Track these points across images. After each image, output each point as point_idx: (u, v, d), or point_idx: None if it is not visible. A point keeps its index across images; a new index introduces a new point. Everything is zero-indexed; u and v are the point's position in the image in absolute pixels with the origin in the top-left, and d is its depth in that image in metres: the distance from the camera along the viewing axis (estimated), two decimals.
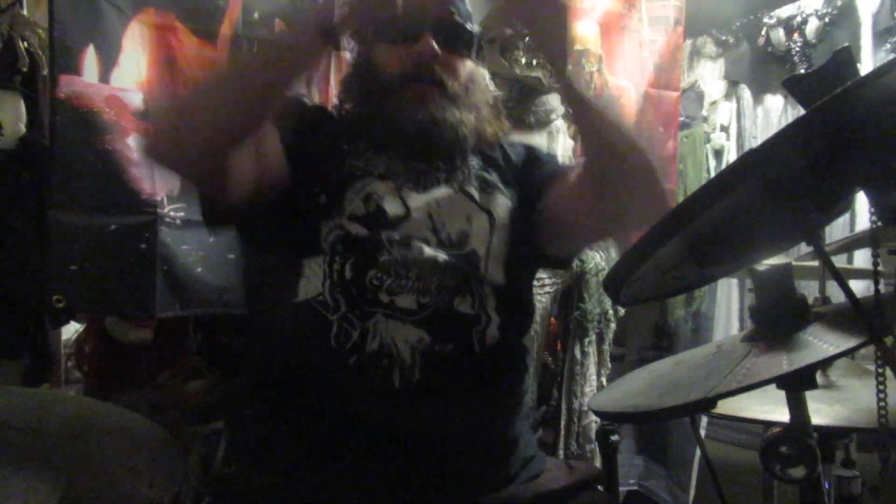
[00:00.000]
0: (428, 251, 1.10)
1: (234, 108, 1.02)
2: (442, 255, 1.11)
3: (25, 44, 1.65)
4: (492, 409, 1.13)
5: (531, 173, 1.27)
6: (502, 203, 1.20)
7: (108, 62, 1.68)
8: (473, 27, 1.24)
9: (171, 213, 1.71)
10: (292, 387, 1.08)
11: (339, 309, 1.06)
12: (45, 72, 1.67)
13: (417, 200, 1.14)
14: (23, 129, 1.65)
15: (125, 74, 1.70)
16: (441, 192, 1.17)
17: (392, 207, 1.12)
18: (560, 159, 1.36)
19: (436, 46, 1.15)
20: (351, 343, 1.04)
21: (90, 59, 1.65)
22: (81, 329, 1.83)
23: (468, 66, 1.22)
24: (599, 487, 1.27)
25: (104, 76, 1.67)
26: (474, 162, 1.24)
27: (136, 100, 1.70)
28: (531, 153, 1.33)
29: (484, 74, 1.28)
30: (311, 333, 1.06)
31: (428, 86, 1.16)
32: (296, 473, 1.04)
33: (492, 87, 1.31)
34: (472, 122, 1.20)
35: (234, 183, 1.04)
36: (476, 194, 1.19)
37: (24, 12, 1.69)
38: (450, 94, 1.17)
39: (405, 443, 1.04)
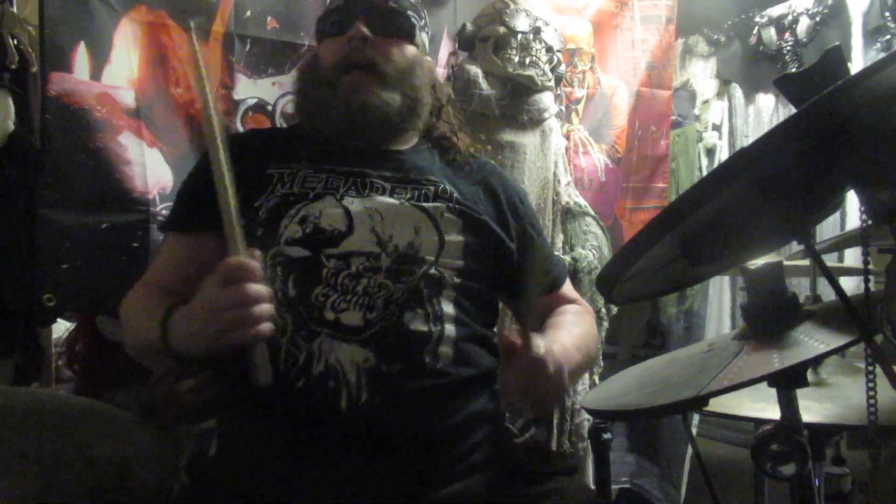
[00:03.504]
0: (371, 264, 1.08)
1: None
2: (387, 268, 1.08)
3: (15, 41, 1.64)
4: (446, 428, 1.07)
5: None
6: (454, 219, 1.17)
7: (99, 60, 1.67)
8: (417, 14, 1.29)
9: (163, 212, 1.71)
10: (256, 406, 1.07)
11: (286, 331, 1.04)
12: (36, 69, 1.66)
13: (360, 212, 1.12)
14: (12, 126, 1.63)
15: (116, 72, 1.69)
16: (385, 201, 1.15)
17: (331, 224, 1.11)
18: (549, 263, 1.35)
19: (365, 30, 1.20)
20: (298, 366, 1.02)
21: (81, 57, 1.64)
22: (72, 328, 1.82)
23: (408, 53, 1.26)
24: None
25: (95, 74, 1.66)
26: (434, 175, 1.23)
27: (127, 98, 1.70)
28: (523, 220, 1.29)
29: (431, 65, 1.34)
30: None
31: (359, 72, 1.20)
32: (280, 474, 1.04)
33: (431, 78, 1.34)
34: (397, 101, 1.23)
35: None
36: (425, 204, 1.16)
37: (14, 9, 1.67)
38: (383, 77, 1.21)
39: (354, 463, 1.01)
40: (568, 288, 1.37)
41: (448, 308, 1.10)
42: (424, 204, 1.16)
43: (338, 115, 1.21)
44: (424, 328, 1.07)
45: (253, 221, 1.11)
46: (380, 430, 1.02)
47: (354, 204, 1.13)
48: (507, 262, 1.23)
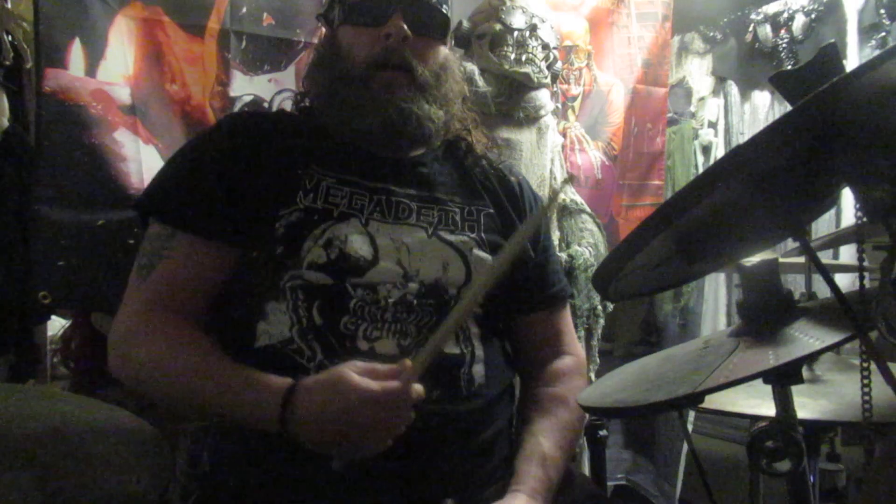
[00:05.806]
0: (398, 293, 1.04)
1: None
2: (415, 293, 1.04)
3: (9, 37, 1.63)
4: (477, 446, 1.07)
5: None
6: (483, 256, 1.11)
7: (94, 56, 1.66)
8: (449, 10, 1.17)
9: None
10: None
11: (315, 357, 1.00)
12: (30, 65, 1.65)
13: (386, 239, 1.06)
14: (6, 123, 1.63)
15: (112, 68, 1.68)
16: (412, 234, 1.09)
17: (357, 250, 1.04)
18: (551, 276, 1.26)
19: (405, 27, 1.09)
20: None
21: (76, 53, 1.64)
22: (68, 325, 1.81)
23: (441, 53, 1.16)
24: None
25: (90, 70, 1.66)
26: (459, 193, 1.17)
27: (122, 94, 1.69)
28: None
29: (458, 64, 1.23)
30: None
31: (396, 73, 1.10)
32: (280, 475, 1.02)
33: (462, 77, 1.25)
34: (441, 117, 1.13)
35: None
36: (452, 239, 1.11)
37: (9, 5, 1.67)
38: (419, 82, 1.11)
39: (391, 486, 0.99)
40: (565, 320, 1.29)
41: (474, 328, 1.09)
42: (452, 238, 1.11)
43: (370, 117, 1.10)
44: (457, 350, 1.06)
45: (271, 234, 1.05)
46: (414, 451, 0.99)
47: (380, 232, 1.07)
48: (528, 277, 1.21)
